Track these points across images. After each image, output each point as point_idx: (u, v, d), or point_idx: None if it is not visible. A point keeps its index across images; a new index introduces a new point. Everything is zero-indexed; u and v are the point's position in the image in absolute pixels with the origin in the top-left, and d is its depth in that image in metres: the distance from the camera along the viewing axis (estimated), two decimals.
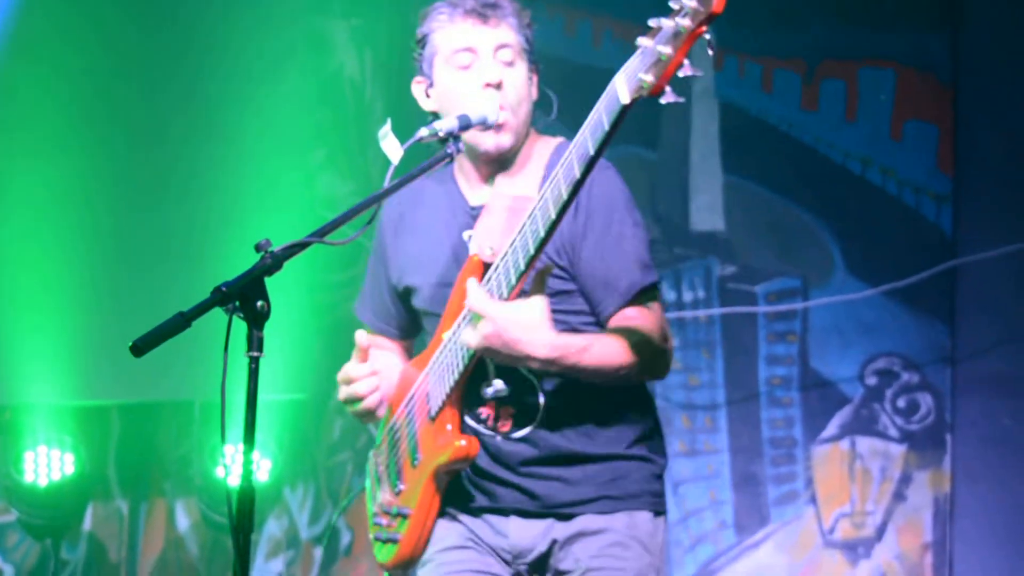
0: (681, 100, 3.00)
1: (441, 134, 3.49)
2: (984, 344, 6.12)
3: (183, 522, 7.15)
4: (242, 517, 2.98)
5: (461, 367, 3.54)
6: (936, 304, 6.19)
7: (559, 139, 3.72)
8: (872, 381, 6.26)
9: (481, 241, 3.58)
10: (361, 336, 3.71)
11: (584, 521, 3.62)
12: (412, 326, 3.94)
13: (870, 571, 6.17)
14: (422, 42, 3.68)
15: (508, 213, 3.58)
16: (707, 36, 2.96)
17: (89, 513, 7.14)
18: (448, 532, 3.72)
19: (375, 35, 7.05)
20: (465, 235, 3.67)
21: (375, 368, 3.72)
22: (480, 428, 3.65)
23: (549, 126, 3.88)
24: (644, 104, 6.60)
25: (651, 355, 3.51)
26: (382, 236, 3.88)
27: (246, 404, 2.99)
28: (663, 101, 3.01)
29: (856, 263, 6.31)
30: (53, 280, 6.72)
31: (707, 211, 6.47)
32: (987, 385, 6.09)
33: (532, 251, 3.33)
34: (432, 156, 3.54)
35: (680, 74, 2.99)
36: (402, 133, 3.50)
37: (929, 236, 6.21)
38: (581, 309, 3.62)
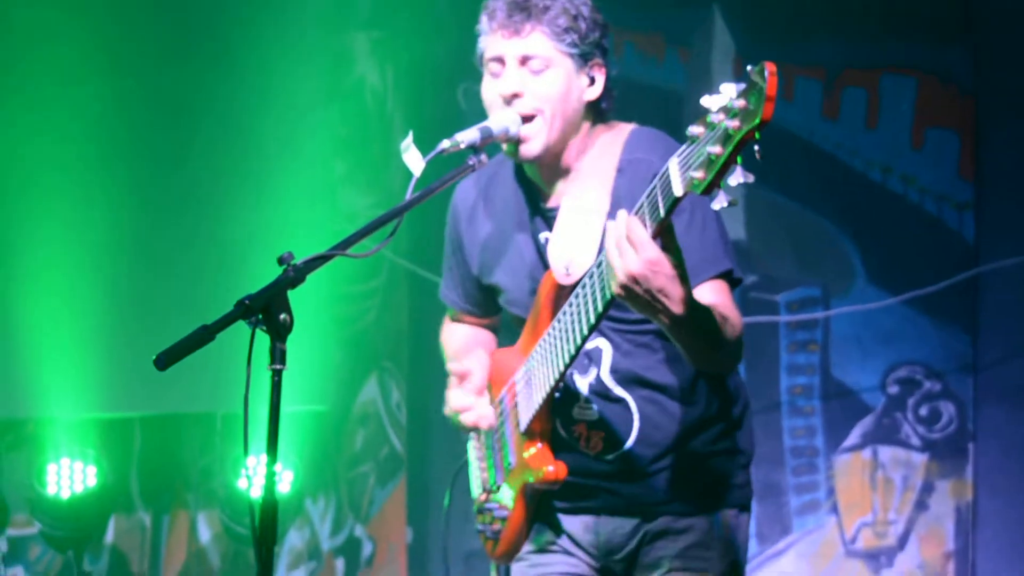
0: (734, 204, 2.87)
1: (462, 146, 3.50)
2: (1006, 352, 6.10)
3: (205, 534, 7.16)
4: (265, 529, 2.99)
5: (548, 387, 3.56)
6: (958, 312, 6.18)
7: (630, 126, 3.70)
8: (894, 390, 6.25)
9: (556, 259, 3.59)
10: (455, 367, 3.77)
11: (669, 520, 3.68)
12: (495, 306, 3.95)
13: None
14: (477, 37, 3.68)
15: (580, 228, 3.57)
16: (756, 147, 2.80)
17: (111, 525, 7.15)
18: (539, 533, 3.80)
19: (396, 47, 7.06)
20: (542, 236, 3.68)
21: (477, 387, 3.77)
22: (575, 446, 3.68)
23: None
24: (664, 108, 6.64)
25: (740, 336, 3.48)
26: (456, 224, 3.88)
27: (268, 416, 3.00)
28: (713, 205, 2.89)
29: (877, 272, 6.30)
30: (75, 293, 6.73)
31: (727, 220, 6.43)
32: (1009, 394, 6.08)
33: (593, 320, 3.33)
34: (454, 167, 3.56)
35: (731, 182, 2.85)
36: (425, 144, 3.51)
37: (951, 244, 6.20)
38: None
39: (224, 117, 6.89)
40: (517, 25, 3.56)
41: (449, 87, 6.71)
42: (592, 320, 3.35)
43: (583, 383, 3.65)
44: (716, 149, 2.82)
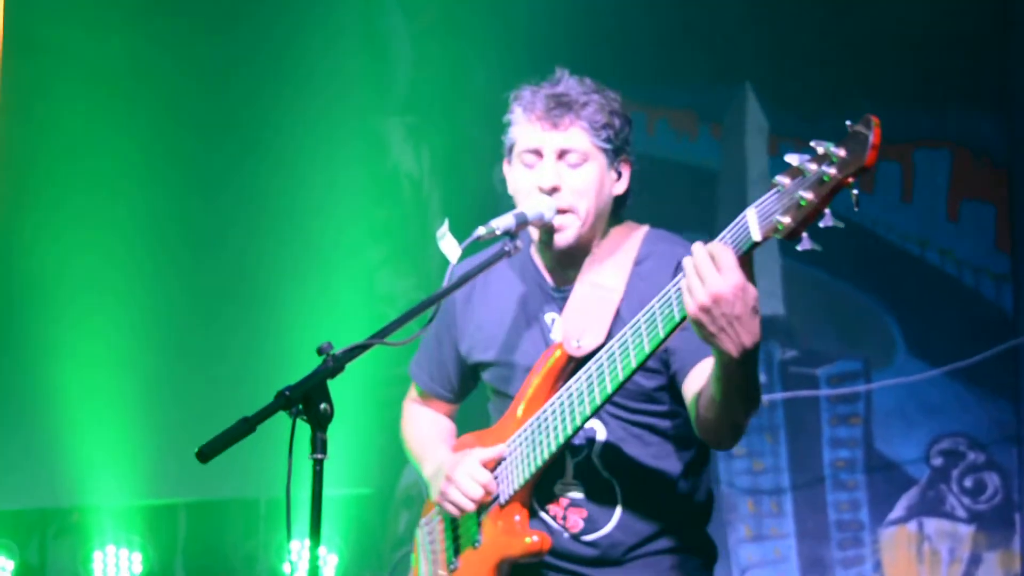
0: (818, 249, 2.94)
1: (498, 232, 3.53)
2: None
3: None
4: None
5: (546, 455, 3.55)
6: (1000, 383, 6.17)
7: (645, 227, 3.75)
8: (938, 462, 6.23)
9: (568, 331, 3.61)
10: (485, 453, 3.71)
11: None
12: (465, 392, 4.00)
13: None
14: (507, 126, 3.72)
15: (595, 303, 3.61)
16: (855, 191, 2.89)
17: None
18: None
19: (430, 132, 7.12)
20: (548, 318, 3.71)
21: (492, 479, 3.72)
22: (550, 523, 3.67)
23: None
24: (701, 188, 6.66)
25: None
26: (450, 302, 3.88)
27: (311, 505, 3.02)
28: (799, 248, 2.95)
29: (918, 344, 6.30)
30: (119, 382, 6.77)
31: (766, 296, 6.47)
32: None
33: (621, 376, 3.35)
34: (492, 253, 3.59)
35: (820, 224, 2.92)
36: (460, 227, 3.54)
37: (990, 315, 6.20)
38: (669, 411, 3.65)
39: (262, 203, 6.94)
40: (556, 119, 3.61)
41: (484, 170, 6.76)
42: (621, 378, 3.35)
43: (571, 461, 3.65)
44: (809, 195, 2.89)
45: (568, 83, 3.67)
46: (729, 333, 3.10)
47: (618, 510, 3.64)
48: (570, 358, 3.59)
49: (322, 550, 6.88)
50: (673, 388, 3.60)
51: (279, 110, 6.97)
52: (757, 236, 3.00)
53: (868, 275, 6.36)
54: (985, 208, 6.21)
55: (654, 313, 3.27)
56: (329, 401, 3.08)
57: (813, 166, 2.90)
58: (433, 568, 3.89)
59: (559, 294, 3.71)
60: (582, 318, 3.62)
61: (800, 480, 6.40)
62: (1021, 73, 6.23)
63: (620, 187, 3.70)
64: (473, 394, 4.05)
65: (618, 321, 3.57)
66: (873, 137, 2.85)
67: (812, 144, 2.92)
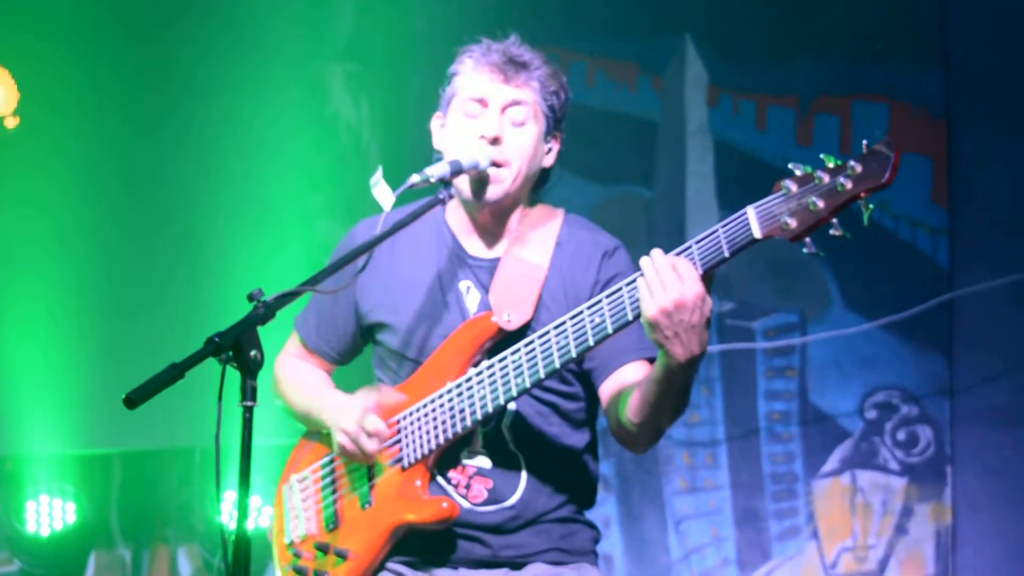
0: (821, 255, 3.10)
1: (433, 180, 3.51)
2: (982, 375, 6.12)
3: (186, 569, 7.14)
4: (238, 564, 2.99)
5: (469, 422, 3.53)
6: (934, 336, 6.20)
7: (561, 210, 3.77)
8: (872, 415, 6.27)
9: (497, 304, 3.60)
10: (389, 400, 3.67)
11: (535, 569, 3.65)
12: (351, 355, 3.92)
13: None
14: (448, 80, 3.71)
15: (520, 279, 3.62)
16: (870, 205, 3.05)
17: (92, 562, 7.13)
18: None
19: (371, 81, 7.08)
20: (462, 285, 3.68)
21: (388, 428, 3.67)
22: (450, 492, 3.64)
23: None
24: (640, 139, 6.66)
25: None
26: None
27: (240, 453, 3.00)
28: (804, 251, 3.10)
29: (853, 297, 6.33)
30: (52, 331, 6.73)
31: None
32: (986, 416, 6.10)
33: (573, 354, 3.36)
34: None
35: (830, 232, 3.07)
36: (399, 177, 3.52)
37: (925, 269, 6.23)
38: (576, 393, 3.68)
39: (199, 150, 6.89)
40: (510, 74, 3.60)
41: (423, 120, 6.72)
42: (573, 354, 3.36)
43: (481, 431, 3.62)
44: (820, 202, 3.04)
45: (523, 48, 3.67)
46: (683, 339, 3.20)
47: (522, 483, 3.63)
48: (498, 331, 3.58)
49: (256, 500, 6.86)
50: (582, 374, 3.64)
51: (216, 53, 6.91)
52: (758, 234, 3.11)
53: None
54: (922, 162, 6.23)
55: (602, 308, 3.31)
56: (260, 348, 3.06)
57: (827, 176, 3.04)
58: (306, 526, 3.83)
59: (476, 263, 3.69)
60: (509, 292, 3.62)
61: (735, 432, 6.43)
62: (960, 27, 6.24)
63: (548, 160, 3.71)
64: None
65: (541, 300, 3.60)
66: (895, 158, 3.02)
67: (821, 157, 3.07)
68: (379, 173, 3.50)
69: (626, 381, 3.52)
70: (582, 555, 3.71)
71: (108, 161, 6.89)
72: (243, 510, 3.05)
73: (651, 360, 3.48)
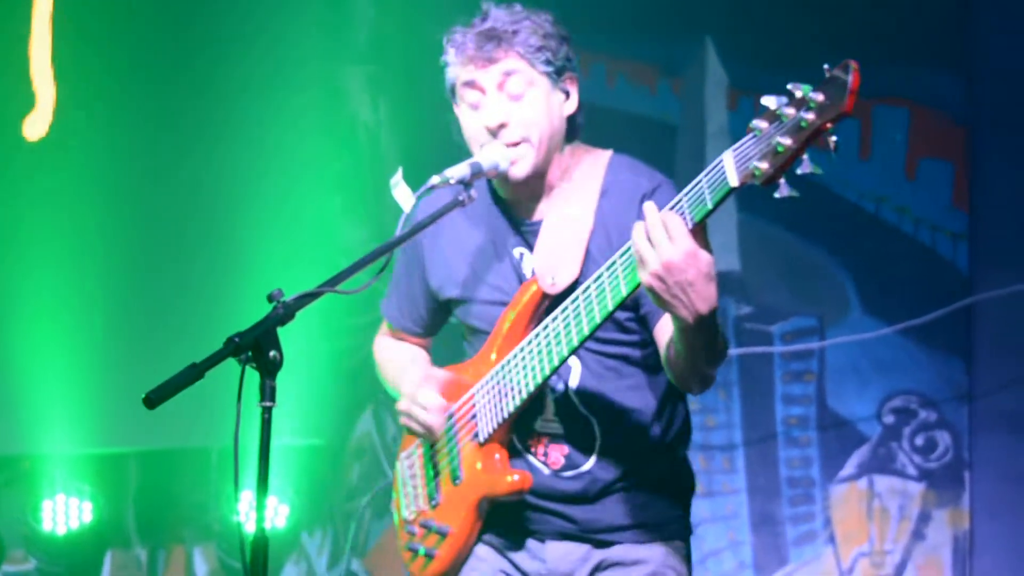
0: (796, 195, 2.94)
1: (452, 182, 3.50)
2: (1001, 381, 6.11)
3: (201, 569, 7.15)
4: (256, 564, 2.99)
5: (525, 394, 3.54)
6: (953, 341, 6.18)
7: (608, 152, 3.72)
8: (890, 420, 6.25)
9: (541, 268, 3.60)
10: (439, 374, 3.72)
11: (622, 551, 3.66)
12: (437, 327, 3.98)
13: None
14: (444, 69, 3.71)
15: (565, 238, 3.60)
16: (833, 137, 2.90)
17: (107, 561, 7.13)
18: (481, 562, 3.75)
19: (389, 82, 7.08)
20: (516, 252, 3.69)
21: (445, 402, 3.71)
22: (532, 461, 3.67)
23: None
24: (659, 141, 6.65)
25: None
26: (417, 240, 3.82)
27: (259, 454, 2.99)
28: (776, 195, 2.96)
29: (872, 302, 6.31)
30: (71, 330, 6.73)
31: (722, 250, 6.46)
32: (1005, 422, 6.09)
33: (598, 320, 3.35)
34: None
35: (798, 171, 2.93)
36: (418, 178, 3.51)
37: (945, 274, 6.21)
38: (642, 340, 3.63)
39: (217, 151, 6.89)
40: (489, 54, 3.58)
41: (442, 121, 6.71)
42: (598, 320, 3.34)
43: (550, 398, 3.64)
44: (787, 140, 2.90)
45: (496, 15, 3.63)
46: (683, 300, 3.12)
47: (597, 446, 3.63)
48: (544, 295, 3.58)
49: (272, 501, 6.87)
50: (643, 319, 3.60)
51: (235, 55, 6.90)
52: (734, 181, 3.00)
53: (824, 232, 6.36)
54: (943, 166, 6.21)
55: (615, 266, 3.28)
56: (279, 348, 3.05)
57: (791, 111, 2.90)
58: (416, 503, 3.86)
59: (527, 227, 3.69)
60: (554, 253, 3.60)
61: (752, 436, 6.41)
62: (982, 31, 6.22)
63: (570, 107, 3.66)
64: (450, 331, 4.02)
65: (589, 255, 3.57)
66: (852, 82, 2.87)
67: (789, 87, 2.93)
68: (399, 174, 3.51)
69: (670, 328, 3.40)
70: (665, 526, 3.69)
71: (128, 161, 6.89)
72: (260, 510, 3.04)
73: None
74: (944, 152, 6.21)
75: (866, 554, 6.22)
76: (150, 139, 6.91)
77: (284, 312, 3.11)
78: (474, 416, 3.67)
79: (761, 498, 6.35)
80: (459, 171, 3.51)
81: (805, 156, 2.92)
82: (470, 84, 3.61)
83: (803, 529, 6.30)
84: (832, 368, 6.34)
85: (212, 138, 6.91)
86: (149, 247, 6.90)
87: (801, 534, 6.30)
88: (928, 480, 6.18)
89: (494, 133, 3.57)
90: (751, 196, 6.40)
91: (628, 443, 3.64)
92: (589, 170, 3.67)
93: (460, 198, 3.52)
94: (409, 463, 3.92)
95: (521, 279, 3.65)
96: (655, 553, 3.66)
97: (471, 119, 3.63)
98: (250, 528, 3.04)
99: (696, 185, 3.08)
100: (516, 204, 3.71)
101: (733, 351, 6.42)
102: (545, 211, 3.67)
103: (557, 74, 3.62)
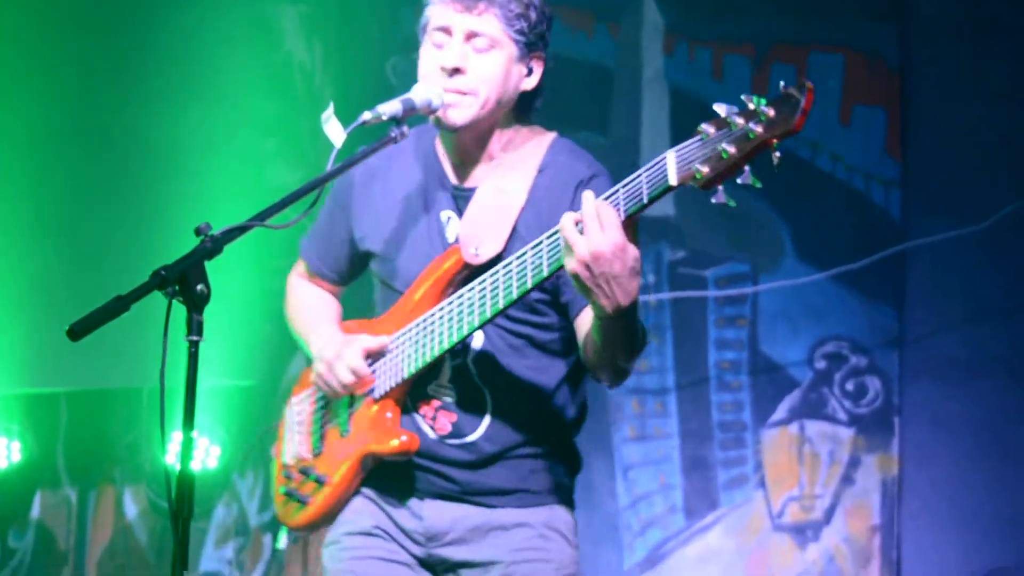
0: (732, 205, 3.00)
1: (384, 118, 3.47)
2: (932, 328, 6.15)
3: (132, 509, 7.12)
4: (181, 503, 2.97)
5: (428, 358, 3.54)
6: (885, 288, 6.21)
7: (552, 134, 3.74)
8: (821, 365, 6.28)
9: (466, 237, 3.59)
10: (371, 341, 3.67)
11: (503, 514, 3.66)
12: (352, 277, 3.95)
13: (819, 554, 6.20)
14: (422, 7, 3.66)
15: (495, 211, 3.59)
16: (776, 152, 2.94)
17: (37, 501, 7.11)
18: (358, 515, 3.74)
19: (324, 22, 7.02)
20: (444, 215, 3.68)
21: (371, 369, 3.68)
22: (420, 423, 3.66)
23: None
24: (595, 86, 6.62)
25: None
26: (348, 186, 3.82)
27: (185, 389, 2.97)
28: (713, 200, 3.01)
29: (805, 248, 6.33)
30: None
31: None
32: (935, 369, 6.13)
33: (515, 295, 3.37)
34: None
35: (738, 180, 2.98)
36: (353, 118, 3.48)
37: (878, 220, 6.24)
38: (550, 324, 3.65)
39: (149, 92, 6.84)
40: (471, 2, 3.55)
41: (378, 62, 6.69)
42: (515, 296, 3.36)
43: (448, 365, 3.63)
44: (731, 148, 2.95)
45: None
46: (605, 290, 3.17)
47: (486, 419, 3.64)
48: (465, 264, 3.58)
49: (204, 442, 6.85)
50: (556, 303, 3.61)
51: None
52: (673, 180, 3.05)
53: (759, 178, 6.35)
54: (876, 113, 6.23)
55: (541, 246, 3.30)
56: (206, 282, 3.02)
57: (740, 120, 2.95)
58: (297, 449, 3.85)
59: (459, 192, 3.68)
60: (480, 224, 3.60)
61: (685, 380, 6.43)
62: None
63: (529, 83, 3.65)
64: (363, 281, 4.00)
65: (515, 231, 3.58)
66: (804, 103, 2.91)
67: (743, 97, 2.97)
68: (331, 109, 3.48)
69: (589, 320, 3.47)
70: (550, 493, 3.70)
71: (56, 102, 6.84)
72: (187, 449, 3.01)
73: None
74: (877, 99, 6.23)
75: (796, 498, 6.25)
76: (78, 80, 6.86)
77: (212, 246, 3.09)
78: (374, 372, 3.66)
79: (693, 442, 6.37)
80: (391, 107, 3.48)
81: (747, 168, 2.97)
82: (442, 27, 3.58)
83: (734, 473, 6.33)
84: (765, 313, 6.37)
85: (144, 77, 6.86)
86: (78, 185, 6.85)
87: (732, 478, 6.34)
88: (858, 425, 6.22)
89: (449, 75, 3.55)
90: (687, 140, 6.41)
91: (517, 421, 3.65)
92: (531, 148, 3.68)
93: (392, 135, 3.50)
94: (300, 410, 3.90)
95: (444, 244, 3.65)
96: (538, 516, 3.68)
97: (430, 56, 3.60)
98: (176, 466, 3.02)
99: (635, 179, 3.12)
100: (455, 166, 3.70)
101: (666, 295, 6.43)
102: (480, 179, 3.67)
103: (527, 47, 3.61)
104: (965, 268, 6.09)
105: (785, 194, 6.33)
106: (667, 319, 6.44)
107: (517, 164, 3.65)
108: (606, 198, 3.16)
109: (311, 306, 3.96)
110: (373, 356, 3.67)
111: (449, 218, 3.67)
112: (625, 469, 6.42)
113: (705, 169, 2.98)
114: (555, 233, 3.26)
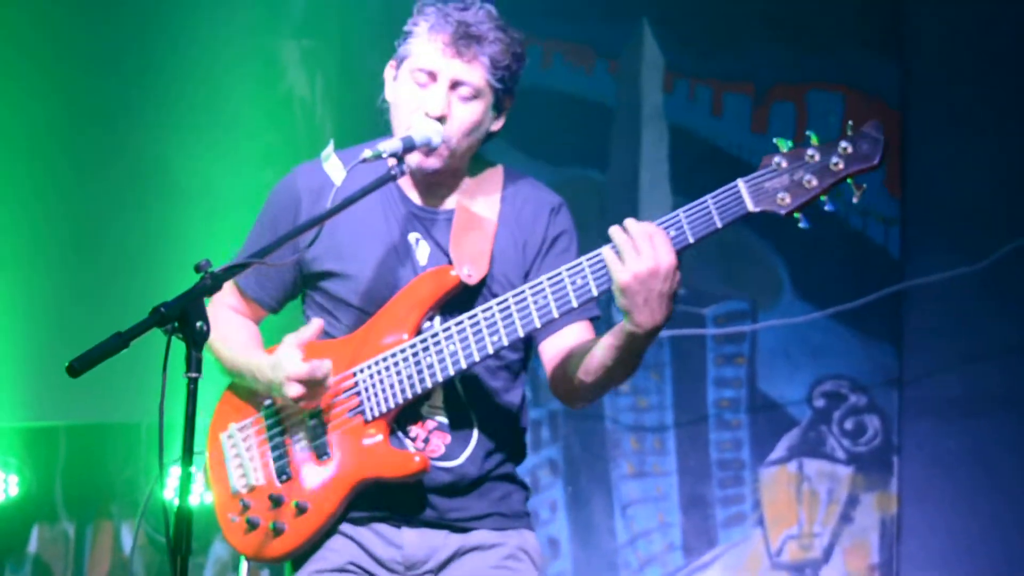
0: (807, 227, 3.28)
1: (385, 156, 3.49)
2: (930, 367, 6.15)
3: (129, 544, 7.10)
4: (179, 538, 2.96)
5: (436, 380, 3.55)
6: (883, 327, 6.22)
7: (500, 165, 3.82)
8: (820, 403, 6.28)
9: (456, 258, 3.63)
10: (308, 331, 3.63)
11: (480, 536, 3.71)
12: (287, 302, 3.91)
13: None
14: (405, 35, 3.69)
15: (476, 234, 3.66)
16: (863, 184, 3.26)
17: (34, 535, 7.08)
18: (328, 551, 3.69)
19: (326, 57, 7.04)
20: (412, 237, 3.70)
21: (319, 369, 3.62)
22: (408, 447, 3.66)
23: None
24: (594, 122, 6.62)
25: None
26: (295, 205, 3.76)
27: (184, 425, 2.97)
28: (801, 226, 3.29)
29: (804, 286, 6.34)
30: None
31: None
32: (934, 407, 6.13)
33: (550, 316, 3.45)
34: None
35: (826, 207, 3.28)
36: (352, 154, 3.50)
37: (877, 259, 6.25)
38: (516, 345, 3.67)
39: (150, 126, 6.84)
40: (462, 48, 3.59)
41: (378, 97, 6.69)
42: (555, 315, 3.44)
43: (441, 386, 3.64)
44: (813, 180, 3.26)
45: (479, 14, 3.65)
46: (652, 307, 3.30)
47: (473, 440, 3.69)
48: (459, 284, 3.61)
49: (201, 477, 6.83)
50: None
51: (172, 31, 6.86)
52: (751, 207, 3.30)
53: (757, 216, 6.36)
54: None
55: (582, 267, 3.40)
56: (206, 319, 3.03)
57: (818, 155, 3.25)
58: (253, 476, 3.75)
59: (425, 214, 3.72)
60: (465, 246, 3.65)
61: (683, 418, 6.43)
62: (915, 16, 6.26)
63: (496, 125, 3.74)
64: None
65: (494, 254, 3.66)
66: (884, 139, 3.25)
67: (808, 134, 3.27)
68: (330, 147, 3.51)
69: (570, 341, 3.64)
70: (518, 518, 3.77)
71: (57, 138, 6.84)
72: (186, 484, 3.01)
73: (593, 320, 3.68)
74: None
75: (795, 536, 6.25)
76: (82, 115, 6.86)
77: (211, 283, 3.11)
78: (356, 393, 3.64)
79: (691, 480, 6.37)
80: (391, 145, 3.51)
81: (826, 197, 3.26)
82: (427, 71, 3.61)
83: (733, 511, 6.33)
84: (764, 351, 6.37)
85: (145, 111, 6.86)
86: (78, 220, 6.85)
87: (731, 516, 6.33)
88: (857, 464, 6.22)
89: (431, 120, 3.60)
90: (686, 177, 6.42)
91: (495, 444, 3.72)
92: (488, 175, 3.79)
93: (392, 172, 3.52)
94: (243, 435, 3.79)
95: (414, 265, 3.67)
96: (511, 539, 3.74)
97: (412, 93, 3.63)
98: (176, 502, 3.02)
99: (699, 206, 3.31)
100: (415, 190, 3.75)
101: (666, 333, 6.41)
102: (447, 203, 3.74)
103: (504, 93, 3.69)
104: (964, 307, 6.10)
105: (783, 232, 6.33)
106: (666, 357, 6.44)
107: (481, 191, 3.74)
108: (662, 223, 3.31)
109: (243, 337, 3.87)
110: (344, 367, 3.65)
111: (418, 239, 3.71)
112: (624, 506, 6.41)
113: (788, 198, 3.26)
114: (595, 256, 3.38)
